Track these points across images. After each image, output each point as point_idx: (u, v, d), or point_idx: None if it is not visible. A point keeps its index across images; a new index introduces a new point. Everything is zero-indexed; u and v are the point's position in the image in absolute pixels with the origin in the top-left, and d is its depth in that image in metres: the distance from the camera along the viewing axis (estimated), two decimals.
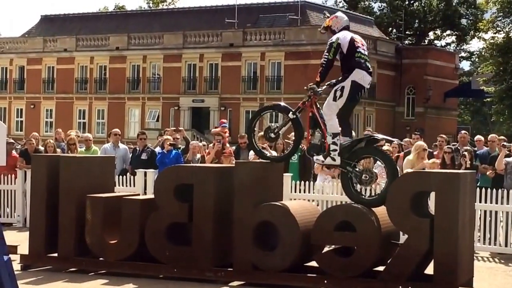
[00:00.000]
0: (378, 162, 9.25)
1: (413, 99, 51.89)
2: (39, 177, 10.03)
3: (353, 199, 9.07)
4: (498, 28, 43.96)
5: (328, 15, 9.32)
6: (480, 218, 12.14)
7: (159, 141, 15.93)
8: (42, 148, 15.22)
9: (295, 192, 12.73)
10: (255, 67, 48.31)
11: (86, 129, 49.14)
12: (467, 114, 74.40)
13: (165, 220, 9.27)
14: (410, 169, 11.96)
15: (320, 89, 8.96)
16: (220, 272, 9.10)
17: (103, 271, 9.66)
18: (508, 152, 13.33)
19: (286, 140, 13.77)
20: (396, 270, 8.44)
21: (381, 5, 67.18)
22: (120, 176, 13.99)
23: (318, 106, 9.02)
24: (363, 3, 67.06)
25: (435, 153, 14.56)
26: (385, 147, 13.87)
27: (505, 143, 13.77)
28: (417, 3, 66.04)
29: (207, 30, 49.81)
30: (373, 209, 8.98)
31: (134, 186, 13.73)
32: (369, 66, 8.99)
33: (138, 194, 11.83)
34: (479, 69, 50.02)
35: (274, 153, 14.03)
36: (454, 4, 64.89)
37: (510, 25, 43.65)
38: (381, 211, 8.90)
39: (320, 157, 8.94)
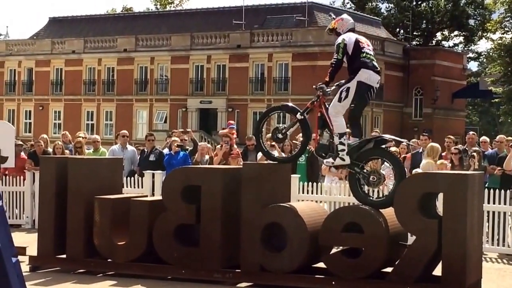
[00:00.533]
0: (386, 163, 9.23)
1: (420, 100, 51.81)
2: (48, 178, 10.06)
3: (361, 200, 9.07)
4: (506, 29, 43.83)
5: (334, 17, 9.36)
6: (488, 219, 12.11)
7: (167, 143, 15.97)
8: (50, 150, 15.26)
9: (303, 193, 12.73)
10: (263, 68, 48.32)
11: (94, 131, 49.24)
12: (475, 114, 74.25)
13: (173, 221, 9.29)
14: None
15: (329, 89, 8.99)
16: (228, 274, 9.11)
17: (111, 272, 9.69)
18: None
19: (294, 141, 13.77)
20: (404, 272, 8.43)
21: (389, 6, 67.10)
22: (128, 178, 14.02)
23: (327, 106, 9.02)
24: (370, 4, 66.98)
25: (443, 154, 14.54)
26: (393, 148, 13.88)
27: None
28: (424, 4, 65.93)
29: (215, 31, 49.86)
30: (382, 210, 8.98)
31: (142, 187, 13.75)
32: (376, 65, 8.99)
33: (146, 196, 11.86)
34: (487, 69, 49.95)
35: (283, 154, 14.05)
36: (461, 4, 64.74)
37: None
38: (389, 212, 8.90)
39: (330, 159, 8.94)
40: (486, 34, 56.95)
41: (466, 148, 14.10)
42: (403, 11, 64.06)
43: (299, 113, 9.18)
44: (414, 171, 12.63)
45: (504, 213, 12.12)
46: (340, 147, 8.81)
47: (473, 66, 77.41)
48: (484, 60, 68.26)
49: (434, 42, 66.98)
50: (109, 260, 9.70)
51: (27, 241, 11.46)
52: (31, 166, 14.82)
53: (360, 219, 8.65)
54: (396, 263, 8.66)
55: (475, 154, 13.01)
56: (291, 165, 12.65)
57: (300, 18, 49.19)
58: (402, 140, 10.83)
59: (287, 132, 9.37)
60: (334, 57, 8.83)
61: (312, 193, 12.73)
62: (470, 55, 68.42)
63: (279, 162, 9.65)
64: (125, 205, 9.63)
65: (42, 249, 9.95)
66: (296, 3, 51.59)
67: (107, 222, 9.57)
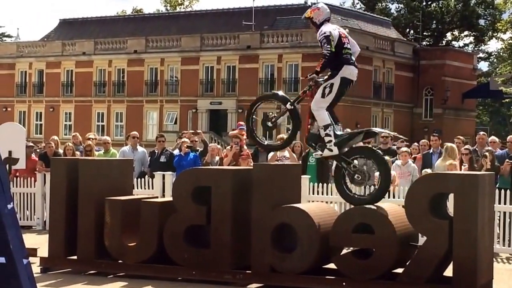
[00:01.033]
0: (371, 163, 9.17)
1: (431, 100, 51.70)
2: (58, 180, 10.09)
3: (343, 196, 9.22)
4: None
5: (310, 4, 9.39)
6: (499, 219, 12.07)
7: (177, 144, 15.99)
8: (61, 151, 15.31)
9: (313, 194, 12.72)
10: (273, 69, 48.34)
11: (105, 132, 49.39)
12: (485, 115, 74.01)
13: (183, 222, 9.30)
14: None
15: (321, 79, 9.05)
16: (239, 275, 9.11)
17: (122, 274, 9.70)
18: None
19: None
20: (415, 272, 8.42)
21: (399, 6, 67.00)
22: (139, 179, 14.04)
23: None
24: (380, 4, 66.89)
25: None
26: (404, 149, 13.86)
27: None
28: (434, 4, 65.79)
29: (225, 32, 49.92)
30: (392, 211, 8.97)
31: (152, 188, 13.77)
32: (354, 60, 9.14)
33: (157, 197, 11.88)
34: (497, 69, 49.82)
35: (294, 155, 14.05)
36: (472, 4, 64.57)
37: None
38: (399, 212, 8.88)
39: (318, 152, 9.06)
40: (496, 34, 56.84)
41: (477, 149, 14.06)
42: (413, 12, 63.94)
43: (289, 103, 9.26)
44: (423, 171, 12.61)
45: None
46: (326, 138, 8.88)
47: (483, 66, 77.21)
48: (495, 60, 68.12)
49: (444, 42, 66.82)
50: (119, 261, 9.72)
51: (38, 243, 11.50)
52: (42, 167, 14.87)
53: (371, 220, 8.64)
54: (407, 264, 8.63)
55: (487, 154, 12.95)
56: (301, 166, 12.71)
57: None
58: (391, 133, 10.90)
59: (277, 121, 9.48)
60: (327, 48, 8.78)
61: (322, 194, 12.71)
62: (480, 55, 68.24)
63: (268, 149, 9.73)
64: (136, 206, 9.64)
65: (53, 250, 9.98)
66: (306, 3, 51.51)
67: (118, 223, 9.59)
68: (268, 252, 8.90)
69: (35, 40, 60.17)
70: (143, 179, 14.05)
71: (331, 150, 8.88)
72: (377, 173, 9.00)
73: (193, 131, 18.75)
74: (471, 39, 68.40)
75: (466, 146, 13.98)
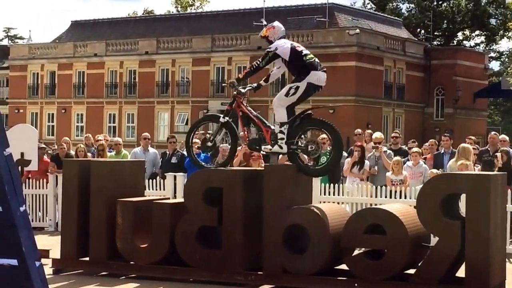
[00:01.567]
0: (322, 132, 9.42)
1: (442, 100, 51.55)
2: (70, 181, 10.12)
3: (306, 173, 9.41)
4: None
5: (266, 23, 9.61)
6: (511, 219, 12.00)
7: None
8: (73, 153, 15.36)
9: (325, 194, 12.71)
10: None
11: (116, 133, 49.52)
12: (497, 114, 73.73)
13: (195, 223, 9.31)
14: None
15: (244, 90, 9.47)
16: (250, 276, 9.11)
17: (133, 275, 9.72)
18: None
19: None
20: (427, 273, 8.39)
21: (409, 6, 66.87)
22: (150, 180, 14.06)
23: (245, 104, 9.50)
24: (391, 4, 66.78)
25: None
26: (415, 149, 13.83)
27: None
28: (445, 4, 65.61)
29: (235, 33, 49.96)
30: (404, 211, 8.96)
31: (164, 189, 13.79)
32: (321, 65, 9.38)
33: (168, 198, 11.89)
34: (509, 69, 49.52)
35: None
36: (483, 4, 64.35)
37: None
38: (411, 213, 8.86)
39: (268, 146, 9.28)
40: (507, 33, 56.64)
41: (489, 149, 14.01)
42: (424, 11, 63.79)
43: (221, 117, 9.56)
44: (430, 172, 12.56)
45: None
46: (280, 135, 9.12)
47: (494, 65, 76.90)
48: (506, 59, 67.79)
49: (455, 42, 66.65)
50: (131, 262, 9.74)
51: (50, 244, 11.54)
52: (54, 169, 14.92)
53: (382, 220, 8.62)
54: (419, 264, 8.61)
55: (500, 153, 12.88)
56: None
57: (320, 19, 49.13)
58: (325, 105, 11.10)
59: (215, 139, 9.75)
60: (257, 61, 9.26)
61: (333, 195, 12.70)
62: (492, 54, 68.01)
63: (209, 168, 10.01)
64: (147, 208, 9.66)
65: (65, 252, 10.01)
66: (317, 4, 51.54)
67: (130, 224, 9.61)
68: (280, 253, 8.90)
69: (47, 42, 60.40)
70: (154, 180, 14.07)
71: (281, 147, 9.19)
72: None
73: (204, 131, 18.75)
74: (482, 38, 68.21)
75: (473, 146, 13.92)
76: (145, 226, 9.55)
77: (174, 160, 14.80)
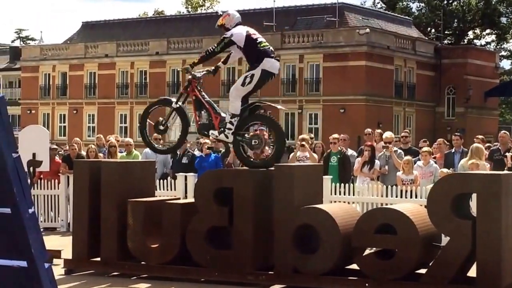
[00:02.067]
0: (265, 127, 9.56)
1: (453, 99, 51.39)
2: (81, 182, 10.16)
3: (246, 164, 9.58)
4: None
5: (221, 13, 9.87)
6: None
7: (198, 144, 16.03)
8: (84, 153, 15.41)
9: (335, 194, 12.70)
10: (294, 70, 48.29)
11: (128, 134, 49.62)
12: (508, 113, 73.44)
13: (205, 223, 9.32)
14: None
15: (199, 74, 9.76)
16: (261, 276, 9.12)
17: (145, 275, 9.75)
18: None
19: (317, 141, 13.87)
20: (438, 273, 8.38)
21: (420, 5, 66.70)
22: (161, 180, 14.09)
23: (199, 88, 9.75)
24: (401, 3, 66.62)
25: None
26: (425, 149, 13.80)
27: None
28: (456, 3, 65.40)
29: None
30: (414, 211, 8.94)
31: (175, 190, 13.82)
32: (275, 53, 9.53)
33: (179, 198, 11.92)
34: None
35: (315, 155, 14.04)
36: (493, 2, 64.10)
37: None
38: (422, 213, 8.85)
39: (215, 132, 9.53)
40: None
41: (499, 148, 13.96)
42: (434, 10, 63.62)
43: (173, 103, 9.78)
44: (439, 171, 12.52)
45: None
46: (228, 125, 9.39)
47: (505, 64, 76.56)
48: None
49: (466, 41, 66.40)
50: (142, 263, 9.77)
51: (62, 244, 11.58)
52: (66, 169, 14.97)
53: (393, 220, 8.61)
54: (430, 264, 8.60)
55: (509, 153, 12.85)
56: (323, 166, 12.70)
57: (330, 19, 49.07)
58: (276, 106, 11.03)
59: (167, 123, 9.95)
60: (213, 46, 9.51)
61: (344, 194, 12.69)
62: (503, 53, 67.71)
63: (160, 153, 10.48)
64: (158, 208, 9.68)
65: (77, 252, 10.05)
66: (327, 4, 51.47)
67: (140, 225, 9.63)
68: (291, 253, 8.90)
69: (58, 43, 60.55)
70: (165, 180, 14.10)
71: (227, 137, 9.48)
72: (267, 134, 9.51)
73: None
74: (493, 37, 67.94)
75: (485, 145, 13.88)
76: (156, 226, 9.58)
77: (184, 160, 14.82)
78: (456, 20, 65.54)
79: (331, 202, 12.19)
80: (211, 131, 9.62)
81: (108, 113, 54.14)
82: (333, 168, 13.92)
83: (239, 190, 9.20)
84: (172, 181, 14.03)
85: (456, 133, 15.47)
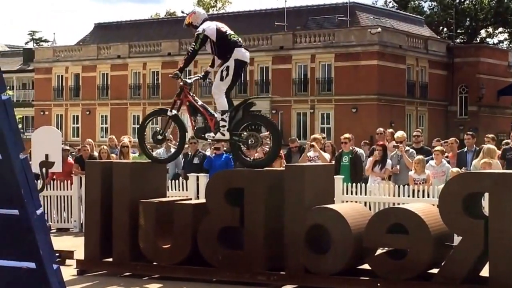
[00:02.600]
0: (260, 126, 9.71)
1: (465, 98, 51.19)
2: (93, 183, 10.19)
3: (244, 164, 9.63)
4: None
5: (186, 13, 9.93)
6: None
7: (211, 145, 16.03)
8: (96, 154, 15.46)
9: (347, 194, 12.69)
10: (306, 70, 48.25)
11: None
12: None
13: (217, 224, 9.33)
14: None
15: (190, 80, 9.93)
16: (273, 276, 9.12)
17: (156, 276, 9.77)
18: None
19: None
20: (451, 273, 8.35)
21: (431, 4, 66.51)
22: (173, 181, 14.12)
23: (191, 94, 9.90)
24: (413, 2, 66.44)
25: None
26: (437, 148, 13.76)
27: None
28: (468, 1, 65.17)
29: (257, 33, 49.94)
30: (426, 210, 8.92)
31: (186, 190, 13.84)
32: (243, 44, 9.72)
33: (190, 199, 11.94)
34: None
35: (327, 155, 14.03)
36: (506, 1, 63.80)
37: None
38: (434, 212, 8.82)
39: (211, 134, 9.64)
40: None
41: (511, 146, 13.90)
42: (446, 9, 63.40)
43: (168, 111, 9.91)
44: (450, 171, 12.47)
45: None
46: (221, 123, 9.49)
47: None
48: None
49: (478, 39, 66.14)
50: (154, 263, 9.79)
51: (75, 245, 11.63)
52: (78, 170, 15.03)
53: (405, 220, 8.59)
54: (442, 264, 8.57)
55: None
56: (334, 166, 12.70)
57: (342, 18, 49.01)
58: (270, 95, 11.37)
59: (165, 132, 10.08)
60: (192, 46, 9.69)
61: (356, 194, 12.68)
62: None
63: (159, 162, 10.43)
64: (169, 209, 9.70)
65: (89, 253, 10.08)
66: (338, 3, 51.40)
67: (152, 225, 9.65)
68: (302, 253, 8.89)
69: (71, 44, 60.78)
70: (177, 181, 14.13)
71: (223, 135, 9.53)
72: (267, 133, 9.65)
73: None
74: (506, 35, 67.65)
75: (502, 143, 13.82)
76: (168, 227, 9.59)
77: (196, 160, 14.84)
78: (468, 19, 65.29)
79: (343, 201, 12.18)
80: (207, 134, 9.74)
81: (120, 114, 54.28)
82: (344, 168, 13.91)
83: (250, 190, 9.21)
84: (184, 181, 14.06)
85: (468, 132, 15.41)
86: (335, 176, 11.47)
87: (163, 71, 53.09)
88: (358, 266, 9.12)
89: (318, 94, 47.42)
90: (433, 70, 49.68)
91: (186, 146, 14.31)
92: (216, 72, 9.76)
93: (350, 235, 8.72)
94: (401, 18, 54.88)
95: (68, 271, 9.89)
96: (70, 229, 15.04)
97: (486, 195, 9.21)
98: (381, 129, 15.66)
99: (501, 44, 65.85)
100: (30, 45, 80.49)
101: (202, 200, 10.55)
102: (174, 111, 9.91)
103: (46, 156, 12.92)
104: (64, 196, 15.21)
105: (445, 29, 65.00)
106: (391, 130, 16.16)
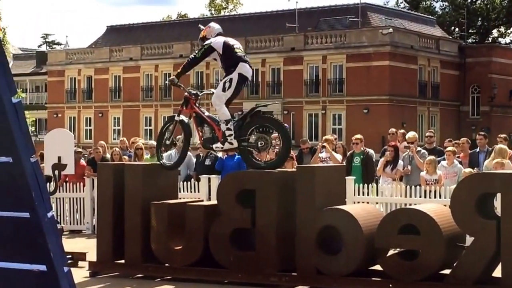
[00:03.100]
0: (268, 127, 9.61)
1: (477, 98, 51.02)
2: (105, 185, 10.23)
3: (256, 168, 9.57)
4: None
5: (203, 27, 10.08)
6: None
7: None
8: (109, 156, 15.51)
9: (359, 195, 12.68)
10: (317, 71, 48.23)
11: (153, 136, 49.80)
12: None
13: (228, 225, 9.34)
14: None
15: (194, 91, 10.13)
16: (285, 277, 9.12)
17: (169, 277, 9.79)
18: None
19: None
20: (463, 273, 8.33)
21: (443, 4, 66.33)
22: (185, 182, 14.14)
23: (197, 105, 9.97)
24: (424, 3, 66.29)
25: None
26: (449, 148, 13.72)
27: None
28: (479, 1, 64.95)
29: (269, 35, 49.98)
30: (438, 211, 8.90)
31: (198, 192, 13.86)
32: (248, 60, 9.80)
33: (202, 200, 11.96)
34: None
35: (339, 156, 14.03)
36: None
37: None
38: (446, 213, 8.80)
39: (219, 144, 9.66)
40: None
41: None
42: (458, 9, 63.22)
43: (176, 116, 10.07)
44: (463, 171, 12.43)
45: None
46: (227, 132, 9.49)
47: None
48: None
49: (490, 39, 65.89)
50: (166, 265, 9.81)
51: (87, 247, 11.67)
52: (90, 172, 15.08)
53: (417, 220, 8.57)
54: (454, 265, 8.55)
55: None
56: (346, 167, 12.69)
57: (353, 19, 48.96)
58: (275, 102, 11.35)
59: (172, 138, 10.20)
60: (194, 53, 9.85)
61: (367, 195, 12.66)
62: None
63: (167, 169, 10.29)
64: (181, 210, 9.72)
65: (101, 254, 10.11)
66: (349, 4, 51.36)
67: (164, 227, 9.68)
68: (314, 254, 8.90)
69: (83, 47, 61.05)
70: (189, 182, 14.15)
71: (231, 144, 9.54)
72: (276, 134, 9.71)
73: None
74: None
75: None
76: (180, 229, 9.61)
77: (207, 162, 14.85)
78: (480, 19, 65.07)
79: (354, 202, 12.17)
80: (215, 145, 9.77)
81: (133, 116, 54.44)
82: (356, 169, 13.90)
83: (261, 192, 9.21)
84: (196, 183, 14.08)
85: (480, 133, 15.36)
86: (346, 177, 11.46)
87: (175, 73, 53.15)
88: (369, 267, 9.11)
89: (330, 95, 47.38)
90: (445, 70, 49.55)
91: (198, 147, 14.31)
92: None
93: (361, 236, 8.71)
94: (412, 18, 54.76)
95: (81, 273, 9.93)
96: (83, 231, 15.10)
97: (498, 195, 9.18)
98: (393, 129, 15.63)
99: None
100: (43, 48, 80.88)
101: (214, 201, 10.57)
102: (182, 116, 9.99)
103: (59, 158, 12.98)
104: (76, 198, 15.27)
105: (456, 29, 64.80)
106: (402, 130, 16.12)
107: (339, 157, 14.08)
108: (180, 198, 11.26)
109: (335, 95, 47.18)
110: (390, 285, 8.61)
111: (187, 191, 13.87)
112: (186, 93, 9.99)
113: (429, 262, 8.47)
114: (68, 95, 58.08)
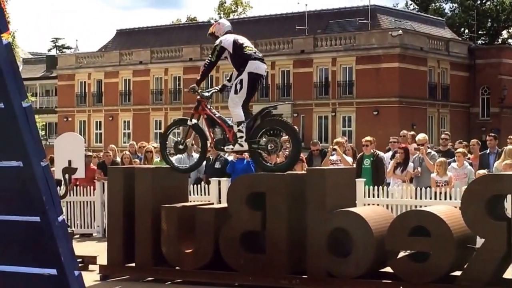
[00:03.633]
0: (278, 130, 9.61)
1: (487, 100, 50.85)
2: (115, 188, 10.26)
3: (266, 170, 9.59)
4: None
5: (213, 22, 10.11)
6: None
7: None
8: (119, 160, 15.55)
9: (369, 197, 12.66)
10: (327, 73, 48.20)
11: None
12: None
13: (238, 228, 9.35)
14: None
15: (207, 94, 10.04)
16: (295, 280, 9.12)
17: (179, 280, 9.80)
18: None
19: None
20: (473, 275, 8.31)
21: (453, 6, 66.16)
22: (195, 185, 14.16)
23: (209, 106, 9.99)
24: (434, 4, 66.15)
25: None
26: (459, 150, 13.68)
27: None
28: (489, 2, 64.75)
29: (278, 37, 49.98)
30: (448, 212, 8.89)
31: (208, 195, 13.88)
32: (261, 55, 9.73)
33: (213, 203, 11.97)
34: None
35: (349, 158, 14.02)
36: None
37: None
38: (456, 214, 8.79)
39: (230, 146, 9.67)
40: None
41: None
42: (467, 11, 63.06)
43: (188, 120, 10.01)
44: (477, 173, 12.40)
45: None
46: (239, 134, 9.50)
47: None
48: None
49: (500, 40, 65.68)
50: (176, 268, 9.82)
51: (98, 250, 11.70)
52: (101, 176, 15.12)
53: (427, 222, 8.56)
54: (465, 266, 8.54)
55: None
56: (356, 169, 12.68)
57: (363, 21, 48.91)
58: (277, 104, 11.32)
59: (186, 142, 10.15)
60: (209, 58, 9.78)
61: (378, 197, 12.65)
62: None
63: (180, 172, 10.34)
64: (191, 213, 9.74)
65: (112, 258, 10.13)
66: (359, 6, 51.35)
67: (174, 230, 9.69)
68: (324, 257, 8.89)
69: (93, 51, 61.20)
70: (199, 185, 14.17)
71: (241, 146, 9.54)
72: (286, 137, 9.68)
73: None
74: None
75: None
76: (190, 232, 9.63)
77: (217, 165, 14.87)
78: (489, 20, 64.88)
79: (364, 204, 12.15)
80: (226, 146, 9.78)
81: (143, 120, 54.53)
82: (366, 171, 13.87)
83: (271, 194, 9.22)
84: (206, 186, 14.09)
85: (490, 134, 15.31)
86: (356, 179, 11.46)
87: (184, 76, 53.27)
88: (380, 269, 9.10)
89: (339, 97, 47.32)
90: (454, 72, 49.42)
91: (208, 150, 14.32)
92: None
93: (372, 238, 8.71)
94: (422, 20, 54.66)
95: (91, 276, 9.96)
96: (93, 235, 15.14)
97: (509, 197, 9.16)
98: (405, 131, 15.62)
99: None
100: (53, 52, 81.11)
101: (224, 204, 10.58)
102: (194, 120, 9.98)
103: (69, 162, 13.03)
104: (87, 202, 15.31)
105: (466, 31, 64.64)
106: (412, 132, 16.10)
107: (349, 159, 14.06)
108: (190, 201, 11.27)
109: (344, 97, 47.12)
110: (401, 287, 8.60)
111: (197, 194, 13.89)
112: (198, 96, 10.00)
113: (439, 264, 8.46)
114: (78, 99, 58.24)
